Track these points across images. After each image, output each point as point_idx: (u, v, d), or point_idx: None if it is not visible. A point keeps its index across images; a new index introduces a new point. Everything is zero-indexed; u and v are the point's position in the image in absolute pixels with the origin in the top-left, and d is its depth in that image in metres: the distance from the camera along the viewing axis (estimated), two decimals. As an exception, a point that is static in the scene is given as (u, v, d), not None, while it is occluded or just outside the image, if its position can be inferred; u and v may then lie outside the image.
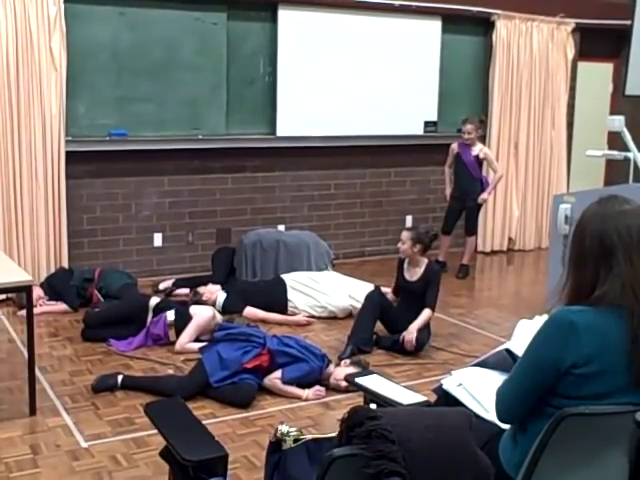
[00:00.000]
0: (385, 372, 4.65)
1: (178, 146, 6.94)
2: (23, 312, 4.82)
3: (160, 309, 5.35)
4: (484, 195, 7.33)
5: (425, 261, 5.41)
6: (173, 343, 5.19)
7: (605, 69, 9.40)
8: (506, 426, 2.33)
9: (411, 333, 5.13)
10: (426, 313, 5.25)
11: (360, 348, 5.15)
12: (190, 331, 5.17)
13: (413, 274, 5.39)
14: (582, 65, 9.05)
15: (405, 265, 5.46)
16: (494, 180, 7.45)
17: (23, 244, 6.32)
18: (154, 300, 5.47)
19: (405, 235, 5.38)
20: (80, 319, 5.57)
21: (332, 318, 5.98)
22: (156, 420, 2.76)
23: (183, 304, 5.61)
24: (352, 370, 4.28)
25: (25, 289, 4.11)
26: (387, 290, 5.58)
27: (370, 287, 5.68)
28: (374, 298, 5.40)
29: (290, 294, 6.06)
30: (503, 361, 2.85)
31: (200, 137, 7.02)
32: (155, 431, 2.86)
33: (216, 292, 6.01)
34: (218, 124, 7.09)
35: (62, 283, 6.06)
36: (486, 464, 2.01)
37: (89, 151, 6.59)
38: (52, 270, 6.36)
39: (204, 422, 2.94)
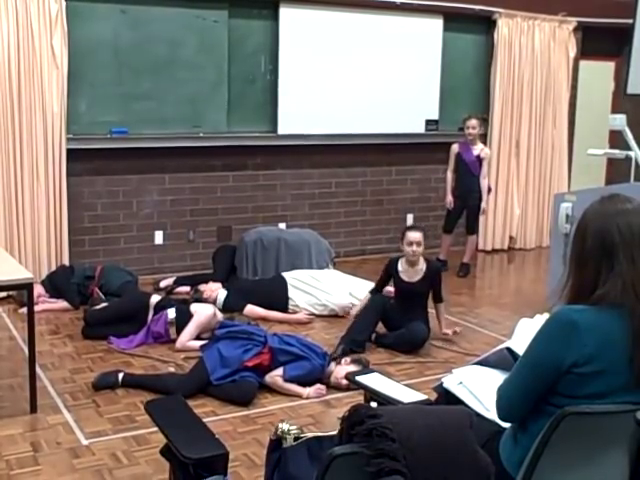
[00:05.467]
0: (386, 370, 4.65)
1: (179, 144, 6.94)
2: (24, 310, 4.82)
3: (161, 307, 5.36)
4: (483, 206, 7.36)
5: (422, 260, 5.37)
6: (174, 341, 5.19)
7: (607, 68, 9.39)
8: (507, 425, 2.33)
9: (450, 328, 5.43)
10: (443, 308, 5.46)
11: (352, 349, 5.06)
12: (191, 329, 5.17)
13: (413, 275, 5.32)
14: (584, 64, 9.04)
15: (400, 266, 5.34)
16: (485, 190, 7.37)
17: (24, 242, 6.33)
18: (155, 298, 5.47)
19: (420, 236, 5.24)
20: (81, 317, 5.57)
21: (333, 316, 5.97)
22: (157, 418, 2.76)
23: (184, 302, 5.60)
24: (353, 368, 4.28)
25: (26, 287, 4.11)
26: (390, 289, 5.57)
27: (371, 285, 5.67)
28: (378, 301, 5.35)
29: (291, 292, 6.06)
30: (504, 360, 2.85)
31: (201, 135, 7.01)
32: (156, 429, 2.86)
33: (217, 290, 6.01)
34: (219, 122, 7.09)
35: (63, 281, 6.06)
36: (487, 463, 2.02)
37: (90, 149, 6.59)
38: (53, 268, 6.37)
39: (205, 420, 2.94)
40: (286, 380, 4.46)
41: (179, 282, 6.58)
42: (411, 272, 5.33)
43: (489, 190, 7.55)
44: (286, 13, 7.22)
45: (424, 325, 5.31)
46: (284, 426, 2.53)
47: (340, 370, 4.49)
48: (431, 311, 5.45)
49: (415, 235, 5.27)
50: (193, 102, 6.94)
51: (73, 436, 3.88)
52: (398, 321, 5.32)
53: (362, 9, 7.56)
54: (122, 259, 6.85)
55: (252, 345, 4.50)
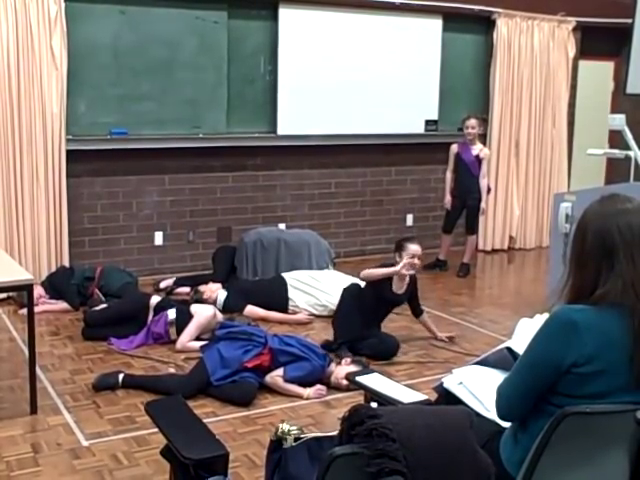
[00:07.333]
0: (386, 371, 4.65)
1: (179, 145, 6.94)
2: (24, 311, 4.82)
3: (161, 308, 5.35)
4: (482, 206, 7.37)
5: None
6: (174, 342, 5.19)
7: (606, 67, 9.39)
8: (507, 424, 2.33)
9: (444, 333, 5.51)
10: (427, 317, 5.52)
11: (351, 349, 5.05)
12: (191, 330, 5.17)
13: (400, 287, 5.22)
14: (583, 63, 9.05)
15: (394, 278, 5.18)
16: (484, 190, 7.37)
17: (24, 243, 6.33)
18: (155, 299, 5.47)
19: (419, 249, 5.16)
20: (81, 318, 5.57)
21: (332, 317, 5.96)
22: (157, 419, 2.76)
23: (184, 303, 5.61)
24: (353, 369, 4.28)
25: (26, 288, 4.11)
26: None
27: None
28: (352, 291, 5.24)
29: (291, 293, 6.06)
30: (504, 360, 2.84)
31: (201, 136, 7.01)
32: (156, 430, 2.86)
33: (217, 291, 6.01)
34: (219, 123, 7.09)
35: (63, 282, 6.05)
36: (487, 463, 2.01)
37: (90, 150, 6.59)
38: (53, 269, 6.37)
39: (205, 421, 2.94)
40: (286, 381, 4.46)
41: (179, 283, 6.58)
42: (400, 284, 5.22)
43: (489, 190, 7.56)
44: (285, 14, 7.22)
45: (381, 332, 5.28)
46: (284, 427, 2.53)
47: (340, 370, 4.49)
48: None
49: (417, 248, 5.17)
50: (192, 103, 6.94)
51: (73, 437, 3.88)
52: (367, 331, 5.16)
53: (361, 9, 7.56)
54: (122, 260, 6.85)
55: (252, 346, 4.50)
